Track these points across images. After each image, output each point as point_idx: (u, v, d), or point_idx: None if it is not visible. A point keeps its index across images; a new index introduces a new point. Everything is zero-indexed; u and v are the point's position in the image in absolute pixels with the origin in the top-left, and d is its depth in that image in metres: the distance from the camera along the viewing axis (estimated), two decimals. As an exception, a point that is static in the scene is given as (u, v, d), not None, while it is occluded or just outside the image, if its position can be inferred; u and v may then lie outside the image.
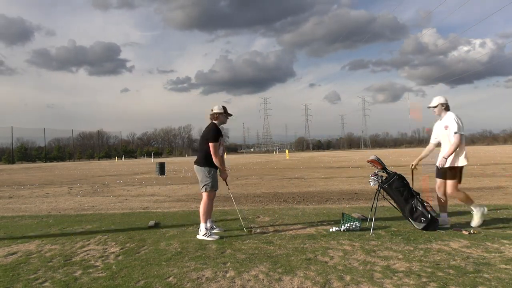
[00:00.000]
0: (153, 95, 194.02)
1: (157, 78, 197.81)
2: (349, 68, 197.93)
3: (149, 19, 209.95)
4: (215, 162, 4.69)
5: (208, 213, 4.76)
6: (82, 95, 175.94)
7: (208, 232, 4.59)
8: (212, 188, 4.73)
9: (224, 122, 4.90)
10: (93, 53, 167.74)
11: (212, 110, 4.83)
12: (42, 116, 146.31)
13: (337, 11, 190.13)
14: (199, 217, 4.72)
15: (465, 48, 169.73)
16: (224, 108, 4.85)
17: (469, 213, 5.81)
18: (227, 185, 5.18)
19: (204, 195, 4.73)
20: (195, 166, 4.83)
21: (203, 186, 4.72)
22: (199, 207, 4.81)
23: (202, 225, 4.65)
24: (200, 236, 4.58)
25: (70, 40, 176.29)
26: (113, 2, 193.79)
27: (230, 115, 4.93)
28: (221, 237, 4.58)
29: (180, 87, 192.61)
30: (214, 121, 4.82)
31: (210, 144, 4.62)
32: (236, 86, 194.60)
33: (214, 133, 4.67)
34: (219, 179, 4.87)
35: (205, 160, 4.72)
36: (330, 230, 4.79)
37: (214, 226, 4.97)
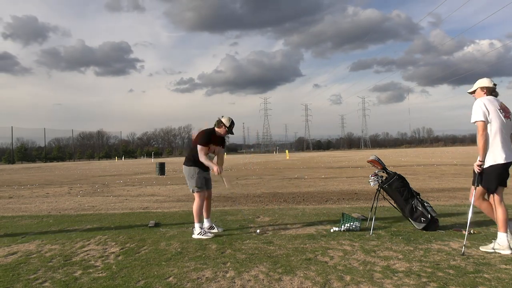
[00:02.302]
0: (159, 96, 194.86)
1: (164, 79, 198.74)
2: (354, 68, 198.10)
3: (160, 21, 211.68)
4: (204, 163, 4.71)
5: (200, 213, 4.77)
6: (88, 95, 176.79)
7: (202, 230, 4.63)
8: (199, 189, 4.74)
9: (223, 134, 4.92)
10: (102, 53, 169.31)
11: (221, 117, 4.85)
12: (50, 116, 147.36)
13: (348, 12, 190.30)
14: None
15: (471, 49, 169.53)
16: (231, 123, 4.86)
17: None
18: (223, 180, 5.21)
19: (195, 196, 4.80)
20: (183, 166, 4.89)
21: (190, 187, 4.82)
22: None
23: (196, 225, 4.68)
24: (195, 236, 4.61)
25: (79, 40, 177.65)
26: (125, 5, 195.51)
27: (231, 133, 4.93)
28: (216, 237, 4.58)
29: (185, 88, 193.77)
30: (216, 128, 4.87)
31: (198, 147, 4.70)
32: (240, 87, 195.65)
33: (204, 137, 4.76)
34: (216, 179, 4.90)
35: (191, 161, 4.78)
36: (330, 230, 4.79)
37: (213, 226, 4.98)
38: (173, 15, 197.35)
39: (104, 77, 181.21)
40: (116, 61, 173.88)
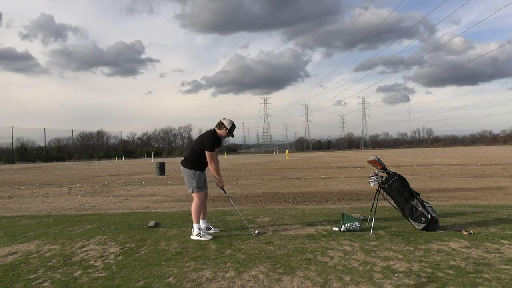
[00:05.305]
0: (164, 96, 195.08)
1: (170, 80, 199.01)
2: (359, 69, 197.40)
3: (171, 23, 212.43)
4: (211, 171, 4.74)
5: (199, 214, 4.79)
6: (95, 96, 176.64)
7: (201, 232, 4.63)
8: (200, 189, 4.76)
9: (223, 137, 4.88)
10: (113, 54, 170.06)
11: (223, 119, 4.81)
12: (54, 116, 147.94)
13: (357, 13, 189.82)
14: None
15: (479, 49, 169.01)
16: (232, 126, 4.80)
17: (468, 213, 5.81)
18: (225, 193, 5.24)
19: (194, 196, 4.79)
20: (181, 167, 4.86)
21: (190, 188, 4.79)
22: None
23: (195, 226, 4.69)
24: (193, 237, 4.60)
25: (91, 41, 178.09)
26: (139, 7, 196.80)
27: (232, 136, 4.88)
28: (216, 237, 4.59)
29: (190, 89, 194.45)
30: (217, 130, 4.81)
31: (207, 153, 4.66)
32: (246, 87, 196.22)
33: (210, 141, 4.69)
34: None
35: (192, 163, 4.77)
36: (331, 230, 4.79)
37: (210, 226, 4.97)
38: (184, 17, 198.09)
39: (113, 77, 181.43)
40: (125, 61, 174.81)
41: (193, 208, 4.75)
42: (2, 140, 70.83)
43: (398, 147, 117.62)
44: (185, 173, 4.81)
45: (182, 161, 4.90)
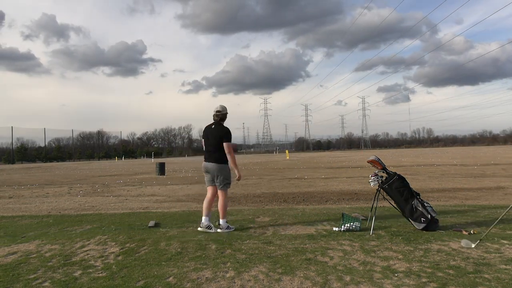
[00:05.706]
0: (165, 97, 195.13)
1: (170, 80, 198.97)
2: (359, 69, 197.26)
3: (172, 23, 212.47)
4: (231, 160, 4.91)
5: (226, 208, 5.04)
6: (96, 96, 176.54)
7: (229, 225, 4.96)
8: (230, 184, 5.03)
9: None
10: (113, 54, 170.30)
11: (222, 111, 5.05)
12: (54, 116, 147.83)
13: (358, 12, 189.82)
14: (219, 213, 5.00)
15: (479, 50, 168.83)
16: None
17: (468, 213, 5.81)
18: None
19: (224, 193, 4.97)
20: (217, 164, 4.91)
21: (225, 184, 4.95)
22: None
23: (222, 221, 4.92)
24: (223, 230, 4.83)
25: (93, 41, 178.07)
26: (140, 7, 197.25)
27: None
28: (219, 236, 4.65)
29: (191, 89, 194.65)
30: (222, 122, 5.06)
31: (228, 145, 4.89)
32: (246, 87, 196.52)
33: (230, 134, 4.99)
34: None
35: (226, 159, 4.96)
36: (331, 230, 4.79)
37: (211, 225, 5.01)
38: (186, 17, 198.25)
39: (113, 77, 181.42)
40: (127, 61, 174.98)
41: (223, 204, 4.93)
42: (2, 140, 70.99)
43: (398, 147, 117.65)
44: (224, 169, 4.93)
45: (212, 158, 4.94)
